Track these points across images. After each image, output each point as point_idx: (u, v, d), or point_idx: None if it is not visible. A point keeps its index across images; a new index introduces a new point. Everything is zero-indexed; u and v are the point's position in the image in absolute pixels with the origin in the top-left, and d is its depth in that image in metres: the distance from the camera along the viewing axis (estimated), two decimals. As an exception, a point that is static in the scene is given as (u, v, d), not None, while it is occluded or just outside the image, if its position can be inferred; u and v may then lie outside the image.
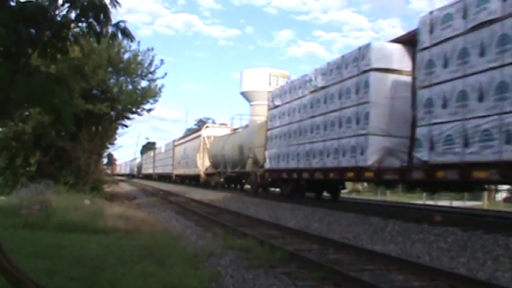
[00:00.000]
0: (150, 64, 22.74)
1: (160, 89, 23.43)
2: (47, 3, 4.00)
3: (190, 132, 51.14)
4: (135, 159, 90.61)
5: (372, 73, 15.20)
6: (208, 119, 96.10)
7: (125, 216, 13.32)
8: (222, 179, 33.84)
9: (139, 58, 22.41)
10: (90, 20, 3.99)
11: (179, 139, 51.69)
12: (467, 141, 10.99)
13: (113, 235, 10.43)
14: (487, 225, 11.06)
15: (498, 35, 10.34)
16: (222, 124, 43.25)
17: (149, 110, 23.70)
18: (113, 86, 22.04)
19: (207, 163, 38.09)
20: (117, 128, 26.81)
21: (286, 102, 21.93)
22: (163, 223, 14.06)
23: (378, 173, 14.82)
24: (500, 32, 10.29)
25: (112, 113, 22.50)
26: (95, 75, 19.61)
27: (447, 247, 9.28)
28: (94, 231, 10.77)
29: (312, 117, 18.92)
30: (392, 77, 15.31)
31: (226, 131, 38.87)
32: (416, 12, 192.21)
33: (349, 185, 35.93)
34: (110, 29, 4.18)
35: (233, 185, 33.94)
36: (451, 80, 11.73)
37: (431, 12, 12.62)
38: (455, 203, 27.80)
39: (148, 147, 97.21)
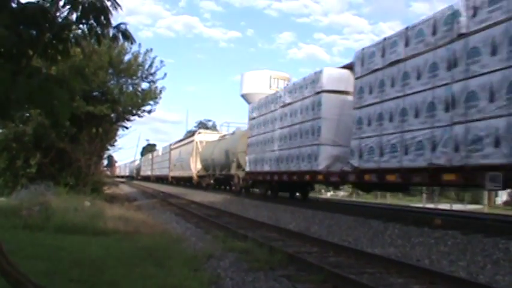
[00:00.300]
0: (151, 66, 22.77)
1: (160, 91, 23.46)
2: (48, 4, 4.00)
3: (185, 137, 54.29)
4: (134, 161, 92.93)
5: (324, 94, 18.77)
6: (209, 121, 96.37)
7: (125, 217, 13.33)
8: (212, 181, 37.28)
9: (139, 60, 22.43)
10: (91, 22, 4.00)
11: (175, 143, 54.43)
12: (382, 152, 14.38)
13: (113, 237, 10.44)
14: (487, 228, 11.07)
15: (402, 71, 13.77)
16: (214, 130, 47.27)
17: (149, 112, 23.74)
18: (114, 87, 22.04)
19: (199, 166, 41.32)
20: (117, 130, 26.82)
21: (262, 115, 25.70)
22: (163, 225, 14.05)
23: (326, 176, 18.32)
24: (403, 70, 13.73)
25: (112, 114, 22.52)
26: (96, 77, 19.64)
27: (447, 250, 9.28)
28: (94, 232, 10.77)
29: (281, 128, 22.58)
30: (340, 97, 18.78)
31: (216, 136, 41.95)
32: (416, 15, 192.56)
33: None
34: (111, 31, 4.19)
35: (222, 186, 37.13)
36: (373, 104, 15.15)
37: (363, 49, 16.08)
38: (456, 207, 27.81)
39: (149, 149, 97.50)
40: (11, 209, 12.47)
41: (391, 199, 36.29)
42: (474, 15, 11.37)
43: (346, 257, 8.77)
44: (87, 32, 4.11)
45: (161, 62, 23.23)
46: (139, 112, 23.37)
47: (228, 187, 34.70)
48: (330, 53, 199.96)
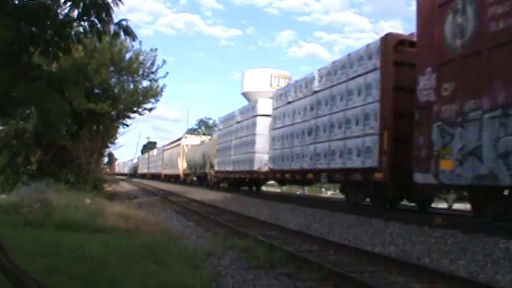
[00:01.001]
0: (152, 64, 22.78)
1: (162, 89, 23.46)
2: (49, 1, 4.00)
3: (174, 140, 61.26)
4: (132, 159, 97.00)
5: (258, 117, 27.26)
6: (209, 119, 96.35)
7: (125, 215, 13.32)
8: (194, 178, 46.21)
9: (141, 58, 22.44)
10: (92, 18, 3.99)
11: (167, 145, 63.31)
12: (283, 159, 22.50)
13: (113, 234, 10.43)
14: (487, 227, 11.05)
15: (292, 109, 22.03)
16: (198, 135, 56.29)
17: (150, 110, 23.75)
18: (115, 85, 22.06)
19: (185, 165, 48.78)
20: (118, 127, 26.84)
21: (225, 128, 35.03)
22: (164, 222, 14.05)
23: (258, 174, 26.83)
24: (293, 108, 21.96)
25: (113, 112, 22.51)
26: (97, 74, 19.64)
27: (447, 249, 9.27)
28: (94, 230, 10.77)
29: (235, 139, 31.12)
30: (269, 119, 26.07)
31: (199, 141, 50.57)
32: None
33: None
34: (112, 28, 4.18)
35: (204, 183, 42.70)
36: (280, 128, 23.56)
37: (276, 92, 25.94)
38: (456, 206, 27.75)
39: (149, 146, 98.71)
40: (11, 206, 12.48)
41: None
42: (320, 81, 19.27)
43: (346, 256, 8.78)
44: (88, 29, 4.10)
45: (163, 61, 23.27)
46: (140, 110, 23.39)
47: (205, 183, 41.36)
48: (330, 51, 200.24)
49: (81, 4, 3.90)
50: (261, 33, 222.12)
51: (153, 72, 22.87)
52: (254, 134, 27.06)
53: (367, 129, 15.44)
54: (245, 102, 60.16)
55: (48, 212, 11.72)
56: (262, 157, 25.87)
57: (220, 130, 37.04)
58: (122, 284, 5.81)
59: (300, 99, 21.23)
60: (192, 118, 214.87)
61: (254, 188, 32.22)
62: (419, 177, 12.75)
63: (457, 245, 9.58)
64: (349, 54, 17.25)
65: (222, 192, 30.15)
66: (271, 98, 25.96)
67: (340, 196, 21.70)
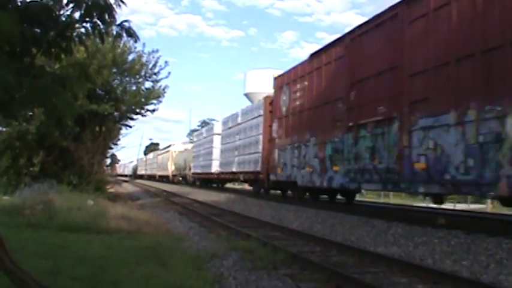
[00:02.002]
0: (155, 65, 22.80)
1: (164, 89, 23.47)
2: (51, 3, 4.00)
3: (165, 147, 74.50)
4: (132, 161, 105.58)
5: (215, 136, 39.01)
6: (212, 119, 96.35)
7: (127, 216, 13.32)
8: (180, 178, 56.35)
9: (143, 59, 22.46)
10: (95, 20, 3.99)
11: (160, 151, 77.69)
12: (225, 165, 34.32)
13: (116, 235, 10.44)
14: (490, 228, 11.04)
15: (230, 132, 33.93)
16: (184, 143, 65.54)
17: (153, 111, 23.77)
18: (117, 86, 22.07)
19: (173, 168, 60.24)
20: (120, 129, 26.86)
21: (196, 141, 49.30)
22: (166, 224, 14.05)
23: (213, 175, 38.23)
24: (230, 132, 34.25)
25: (116, 113, 22.52)
26: (100, 76, 19.65)
27: (450, 250, 9.26)
28: (97, 231, 10.78)
29: (202, 149, 43.72)
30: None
31: (183, 147, 60.25)
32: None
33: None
34: (115, 29, 4.19)
35: (197, 183, 50.66)
36: (225, 144, 35.43)
37: (223, 119, 38.16)
38: (459, 206, 27.80)
39: (152, 148, 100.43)
40: (14, 208, 12.50)
41: (394, 199, 36.25)
42: (241, 117, 30.03)
43: (349, 256, 8.77)
44: (90, 30, 4.10)
45: (166, 62, 23.31)
46: (142, 111, 23.41)
47: (185, 181, 53.65)
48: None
49: (84, 5, 3.90)
50: (262, 34, 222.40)
51: (155, 73, 22.90)
52: (212, 147, 39.55)
53: (256, 149, 27.33)
54: (248, 103, 60.69)
55: (50, 213, 11.74)
56: (216, 163, 37.86)
57: (194, 142, 51.24)
58: (124, 285, 5.81)
59: (232, 127, 34.05)
60: (195, 119, 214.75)
61: (220, 185, 42.57)
62: (272, 176, 23.72)
63: (460, 246, 9.56)
64: (251, 105, 32.96)
65: (225, 194, 30.21)
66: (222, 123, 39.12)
67: (340, 197, 21.72)
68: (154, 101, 23.27)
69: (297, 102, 20.82)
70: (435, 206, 15.07)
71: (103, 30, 4.08)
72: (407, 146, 12.88)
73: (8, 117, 4.28)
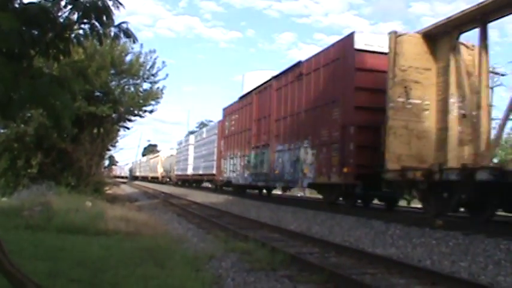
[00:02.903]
0: (152, 66, 22.79)
1: (162, 90, 23.46)
2: (49, 4, 4.00)
3: (154, 152, 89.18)
4: (127, 164, 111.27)
5: (190, 146, 50.66)
6: (210, 121, 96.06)
7: (126, 218, 13.30)
8: (167, 179, 66.22)
9: (141, 60, 22.45)
10: (93, 21, 4.00)
11: (152, 155, 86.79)
12: (196, 169, 47.21)
13: (114, 237, 10.42)
14: (488, 229, 11.06)
15: (198, 145, 48.39)
16: (171, 149, 71.91)
17: (151, 112, 23.77)
18: (115, 88, 22.06)
19: (162, 170, 71.65)
20: (118, 130, 26.85)
21: (178, 149, 60.82)
22: (165, 225, 14.05)
23: (190, 176, 50.39)
24: (197, 144, 48.62)
25: (114, 115, 22.51)
26: (98, 77, 19.64)
27: (448, 251, 9.27)
28: (95, 233, 10.76)
29: (182, 156, 55.30)
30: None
31: (170, 153, 68.45)
32: (416, 16, 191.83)
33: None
34: (113, 30, 4.19)
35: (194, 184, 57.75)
36: (195, 153, 48.84)
37: (196, 133, 57.26)
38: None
39: (150, 149, 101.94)
40: (12, 209, 12.48)
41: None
42: (205, 133, 45.58)
43: (347, 258, 8.77)
44: (88, 31, 4.10)
45: (163, 62, 23.28)
46: (140, 112, 23.40)
47: (171, 182, 63.37)
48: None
49: (82, 7, 3.90)
50: (260, 36, 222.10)
51: (153, 75, 22.89)
52: (188, 155, 51.27)
53: (213, 158, 38.37)
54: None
55: (49, 215, 11.72)
56: (191, 167, 49.60)
57: (178, 149, 61.44)
58: (123, 287, 5.81)
59: (200, 140, 47.07)
60: (193, 121, 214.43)
61: (194, 184, 51.20)
62: (221, 177, 33.84)
63: (458, 247, 9.58)
64: (211, 125, 44.61)
65: (223, 195, 30.23)
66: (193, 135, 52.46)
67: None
68: (153, 102, 23.28)
69: (232, 128, 32.05)
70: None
71: (101, 32, 4.08)
72: (273, 160, 23.35)
73: (5, 118, 4.26)
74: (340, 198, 18.82)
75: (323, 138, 18.37)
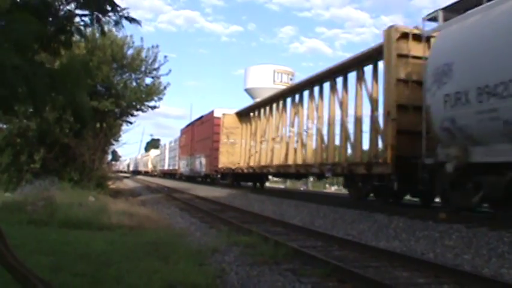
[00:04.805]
0: (154, 61, 22.76)
1: (165, 87, 23.45)
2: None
3: (146, 152, 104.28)
4: (125, 159, 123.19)
5: (166, 149, 70.45)
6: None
7: (129, 212, 13.34)
8: (155, 173, 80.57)
9: (143, 54, 22.44)
10: (94, 12, 3.98)
11: (144, 154, 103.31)
12: (169, 165, 68.79)
13: (118, 231, 10.44)
14: (491, 222, 11.04)
15: (174, 148, 64.34)
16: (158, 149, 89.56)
17: (154, 108, 23.78)
18: (118, 82, 22.06)
19: (151, 166, 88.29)
20: (121, 125, 26.86)
21: (160, 150, 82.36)
22: (168, 220, 14.08)
23: (167, 171, 67.87)
24: (174, 147, 62.36)
25: (116, 109, 22.51)
26: (100, 71, 19.63)
27: (452, 244, 9.27)
28: (98, 227, 10.79)
29: (163, 156, 74.02)
30: (177, 148, 60.45)
31: (157, 153, 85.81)
32: (418, 9, 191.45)
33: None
34: (113, 18, 4.16)
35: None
36: (178, 154, 58.19)
37: (174, 139, 66.77)
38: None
39: (153, 144, 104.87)
40: (15, 204, 12.50)
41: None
42: (174, 142, 64.46)
43: (350, 251, 8.77)
44: (90, 22, 4.07)
45: (165, 57, 23.25)
46: (143, 107, 23.40)
47: (158, 175, 77.29)
48: (332, 47, 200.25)
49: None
50: (262, 29, 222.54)
51: (155, 69, 22.88)
52: (165, 156, 69.77)
53: (177, 159, 58.56)
54: (249, 98, 60.76)
55: (52, 210, 11.75)
56: (166, 164, 66.57)
57: (160, 151, 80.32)
58: (126, 281, 5.82)
59: (171, 146, 64.26)
60: (195, 114, 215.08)
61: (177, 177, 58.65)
62: (179, 171, 54.60)
63: (461, 240, 9.57)
64: (177, 137, 60.50)
65: (226, 189, 30.17)
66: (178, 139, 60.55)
67: (344, 191, 21.72)
68: (155, 98, 23.28)
69: (183, 142, 51.89)
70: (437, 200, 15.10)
71: (103, 20, 4.06)
72: (194, 162, 43.45)
73: (8, 113, 4.24)
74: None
75: (205, 153, 38.96)
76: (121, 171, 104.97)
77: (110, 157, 32.15)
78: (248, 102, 53.53)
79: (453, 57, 12.16)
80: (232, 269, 7.18)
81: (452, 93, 11.92)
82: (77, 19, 4.12)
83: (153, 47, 22.72)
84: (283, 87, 39.63)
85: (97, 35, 15.40)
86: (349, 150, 18.78)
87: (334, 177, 26.42)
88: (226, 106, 66.08)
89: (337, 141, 19.81)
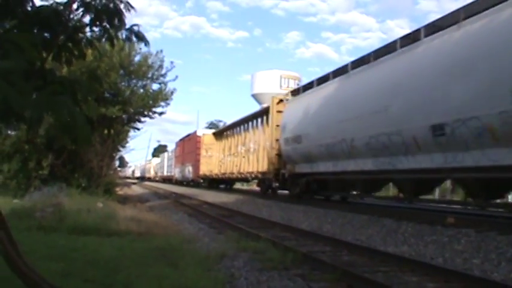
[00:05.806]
0: (161, 66, 22.83)
1: (172, 92, 23.51)
2: (61, 7, 4.02)
3: (148, 159, 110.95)
4: (130, 166, 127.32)
5: (165, 158, 78.17)
6: (220, 121, 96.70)
7: (137, 218, 13.37)
8: (157, 178, 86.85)
9: (149, 61, 22.50)
10: (105, 24, 4.01)
11: (147, 161, 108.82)
12: (167, 171, 77.42)
13: (126, 237, 10.45)
14: (500, 226, 11.02)
15: (171, 157, 73.79)
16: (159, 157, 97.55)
17: (161, 114, 23.85)
18: (125, 89, 22.13)
19: (153, 172, 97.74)
20: (128, 131, 26.92)
21: (160, 158, 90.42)
22: (176, 225, 14.09)
23: (166, 176, 74.45)
24: (172, 157, 71.85)
25: (124, 116, 22.57)
26: (107, 78, 19.70)
27: (461, 248, 9.24)
28: (107, 233, 10.80)
29: (161, 163, 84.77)
30: (173, 157, 70.09)
31: (158, 160, 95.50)
32: (423, 13, 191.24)
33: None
34: (124, 33, 4.20)
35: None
36: (174, 161, 67.23)
37: (171, 150, 79.63)
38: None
39: (160, 150, 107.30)
40: (24, 211, 12.53)
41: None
42: (170, 153, 75.85)
43: (359, 256, 8.76)
44: (99, 34, 4.11)
45: (171, 63, 23.31)
46: (150, 113, 23.46)
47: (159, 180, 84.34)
48: (338, 51, 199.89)
49: (94, 10, 3.91)
50: (267, 35, 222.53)
51: (162, 75, 22.94)
52: (164, 163, 77.31)
53: (172, 167, 67.79)
54: (255, 104, 60.93)
55: (61, 216, 11.78)
56: (165, 171, 74.80)
57: (160, 159, 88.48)
58: (135, 287, 5.84)
59: (169, 156, 72.42)
60: (202, 121, 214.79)
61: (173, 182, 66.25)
62: (175, 177, 63.47)
63: (470, 244, 9.55)
64: (172, 149, 73.80)
65: (234, 195, 30.25)
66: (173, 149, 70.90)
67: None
68: (163, 104, 23.34)
69: (177, 153, 60.98)
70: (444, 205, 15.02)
71: (112, 34, 4.09)
72: (184, 170, 54.79)
73: (19, 122, 4.25)
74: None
75: (192, 163, 48.37)
76: (128, 177, 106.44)
77: (117, 163, 32.20)
78: (255, 107, 53.92)
79: (286, 120, 24.03)
80: (241, 274, 7.20)
81: (287, 138, 23.22)
82: (87, 29, 4.15)
83: (157, 52, 22.80)
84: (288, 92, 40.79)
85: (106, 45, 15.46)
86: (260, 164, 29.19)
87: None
88: (234, 113, 68.30)
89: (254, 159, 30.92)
